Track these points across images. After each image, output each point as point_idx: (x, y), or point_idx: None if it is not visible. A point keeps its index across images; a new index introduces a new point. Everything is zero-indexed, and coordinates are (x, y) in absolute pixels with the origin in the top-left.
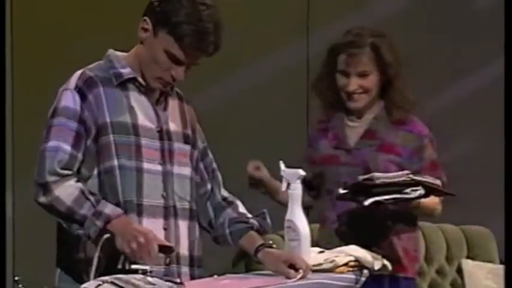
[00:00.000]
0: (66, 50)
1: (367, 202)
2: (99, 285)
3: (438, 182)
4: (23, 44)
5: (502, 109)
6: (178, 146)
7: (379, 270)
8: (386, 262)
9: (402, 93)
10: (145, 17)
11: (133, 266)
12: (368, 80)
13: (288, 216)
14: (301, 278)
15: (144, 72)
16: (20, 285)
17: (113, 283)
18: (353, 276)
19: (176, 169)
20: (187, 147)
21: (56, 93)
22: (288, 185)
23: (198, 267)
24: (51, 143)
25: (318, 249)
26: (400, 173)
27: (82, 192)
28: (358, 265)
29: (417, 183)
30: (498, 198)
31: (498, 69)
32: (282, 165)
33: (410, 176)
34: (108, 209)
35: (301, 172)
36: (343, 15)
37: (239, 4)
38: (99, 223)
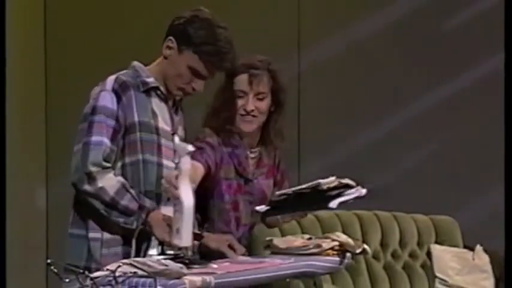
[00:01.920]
0: (97, 53)
1: (334, 204)
2: (120, 266)
3: (352, 182)
4: (57, 47)
5: (472, 112)
6: None
7: (360, 253)
8: (366, 246)
9: (284, 120)
10: (170, 37)
11: (169, 252)
12: (263, 103)
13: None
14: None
15: (167, 83)
16: (52, 267)
17: (131, 264)
18: (338, 259)
19: None
20: None
21: (89, 93)
22: (179, 158)
23: (194, 252)
24: (95, 138)
25: (307, 235)
26: (332, 178)
27: (123, 185)
28: (342, 249)
29: (345, 185)
30: (462, 191)
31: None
32: (176, 139)
33: (338, 180)
34: (147, 203)
35: (190, 147)
36: (333, 33)
37: (230, 22)
38: (144, 215)
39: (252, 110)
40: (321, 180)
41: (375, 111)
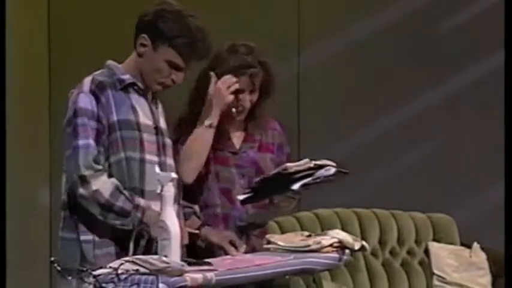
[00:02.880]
0: (102, 51)
1: (296, 186)
2: (122, 264)
3: (331, 162)
4: (61, 44)
5: (472, 112)
6: (167, 140)
7: (358, 249)
8: (364, 243)
9: (269, 102)
10: (143, 34)
11: None
12: (254, 95)
13: (160, 217)
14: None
15: (146, 79)
16: (55, 265)
17: (133, 262)
18: (337, 255)
19: (168, 160)
20: (170, 142)
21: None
22: (162, 187)
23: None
24: (82, 141)
25: (307, 233)
26: (305, 160)
27: (117, 187)
28: (341, 246)
29: (320, 166)
30: (460, 190)
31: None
32: (157, 169)
33: (313, 162)
34: (141, 202)
35: (173, 175)
36: (333, 32)
37: (231, 23)
38: (139, 215)
39: (249, 105)
40: (288, 164)
41: (374, 110)
